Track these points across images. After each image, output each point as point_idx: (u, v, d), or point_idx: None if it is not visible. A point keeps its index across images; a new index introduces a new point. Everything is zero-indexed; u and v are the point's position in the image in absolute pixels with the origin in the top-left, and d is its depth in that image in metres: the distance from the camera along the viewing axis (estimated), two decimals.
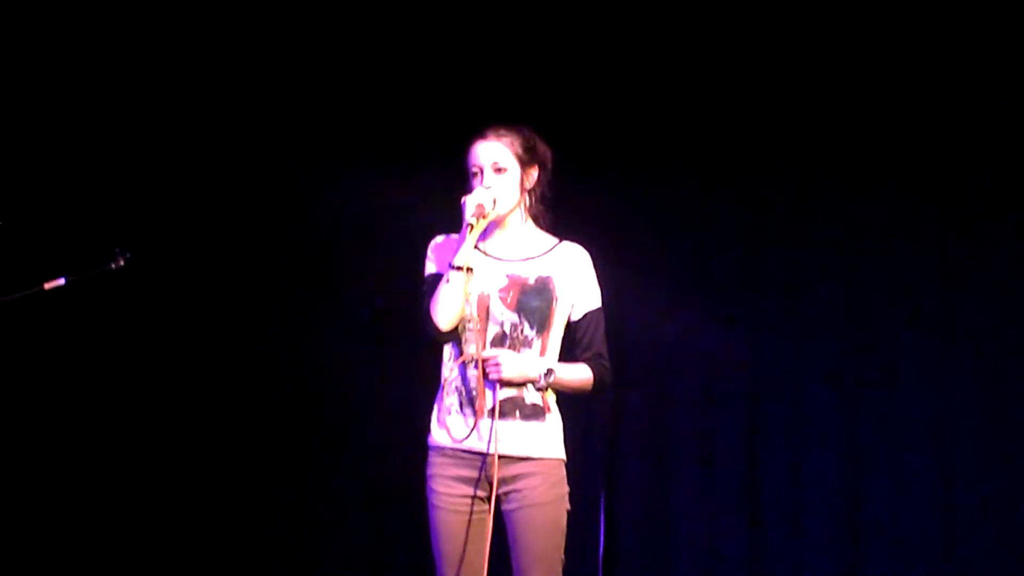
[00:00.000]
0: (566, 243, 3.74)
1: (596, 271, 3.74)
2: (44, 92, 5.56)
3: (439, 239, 3.74)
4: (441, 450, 3.61)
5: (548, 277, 3.67)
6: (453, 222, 3.65)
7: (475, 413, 3.56)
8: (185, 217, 5.71)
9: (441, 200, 4.18)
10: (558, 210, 3.77)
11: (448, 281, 3.56)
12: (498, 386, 3.56)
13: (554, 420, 3.65)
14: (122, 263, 4.14)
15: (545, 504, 3.58)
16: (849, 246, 5.47)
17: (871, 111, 5.46)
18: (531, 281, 3.66)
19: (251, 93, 5.68)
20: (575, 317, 3.70)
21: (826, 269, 5.49)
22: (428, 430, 3.67)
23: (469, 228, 3.56)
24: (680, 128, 5.60)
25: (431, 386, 3.70)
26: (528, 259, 3.69)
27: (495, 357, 3.55)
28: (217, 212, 5.72)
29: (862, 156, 5.47)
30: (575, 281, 3.70)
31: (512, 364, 3.56)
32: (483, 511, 3.57)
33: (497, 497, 3.55)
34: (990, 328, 5.30)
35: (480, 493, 3.58)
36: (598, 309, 3.72)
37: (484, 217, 3.58)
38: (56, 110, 5.58)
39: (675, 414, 5.59)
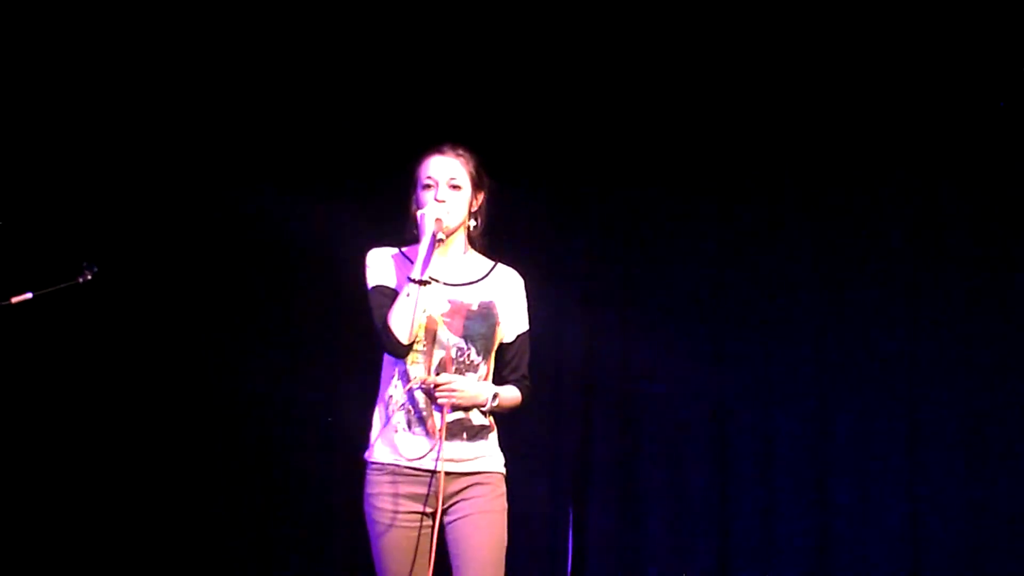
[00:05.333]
0: (501, 266, 3.78)
1: (531, 297, 3.80)
2: (8, 107, 5.55)
3: (379, 251, 3.73)
4: (386, 468, 3.62)
5: (491, 302, 3.71)
6: (384, 236, 3.69)
7: (427, 433, 3.60)
8: (151, 232, 5.71)
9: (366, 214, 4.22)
10: (511, 237, 3.82)
11: (408, 295, 3.57)
12: (446, 408, 3.59)
13: (494, 437, 3.71)
14: (89, 277, 4.17)
15: (490, 512, 3.63)
16: (820, 263, 5.51)
17: (839, 130, 5.49)
18: (474, 307, 3.69)
19: (213, 115, 5.70)
20: (507, 339, 3.74)
21: (793, 288, 5.52)
22: (365, 447, 3.68)
23: (439, 242, 3.58)
24: (643, 150, 5.61)
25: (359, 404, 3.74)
26: (469, 283, 3.71)
27: (450, 383, 3.58)
28: (180, 228, 5.72)
29: (827, 178, 5.50)
30: (511, 304, 3.75)
31: (465, 391, 3.60)
32: (428, 527, 3.61)
33: (441, 512, 3.59)
34: (959, 347, 5.34)
35: (427, 509, 3.61)
36: (527, 332, 3.79)
37: (444, 232, 3.61)
38: (21, 125, 5.57)
39: (643, 438, 5.58)
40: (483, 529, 3.61)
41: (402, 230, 3.75)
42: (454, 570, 3.61)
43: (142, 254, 5.67)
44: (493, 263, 3.78)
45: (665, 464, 5.53)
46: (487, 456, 3.68)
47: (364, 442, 3.70)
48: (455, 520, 3.61)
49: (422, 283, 3.58)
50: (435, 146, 3.73)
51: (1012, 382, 5.29)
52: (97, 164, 5.65)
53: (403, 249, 3.73)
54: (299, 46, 5.68)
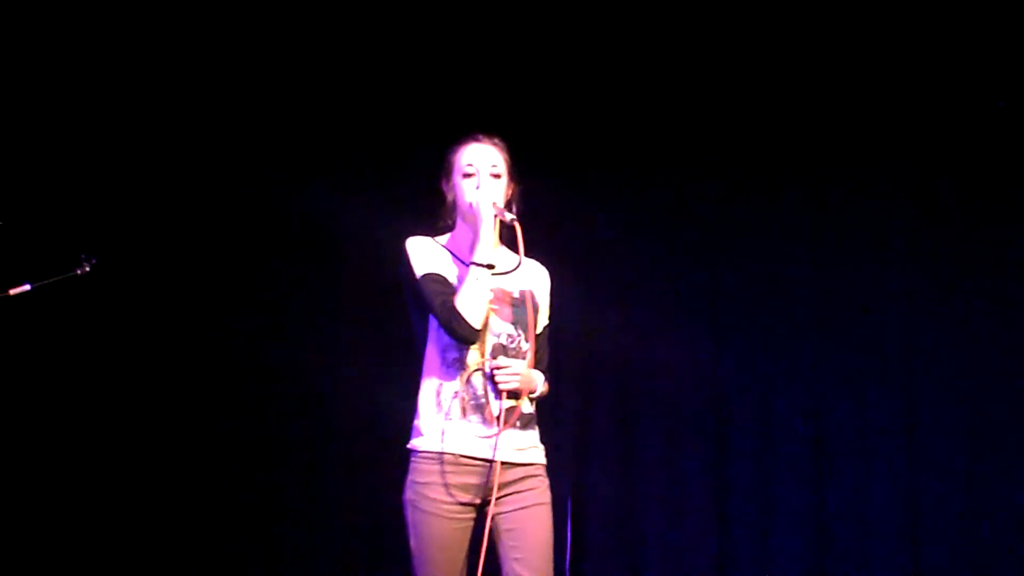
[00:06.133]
0: (527, 259, 3.73)
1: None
2: (8, 95, 5.49)
3: (419, 240, 3.66)
4: (438, 457, 3.55)
5: (529, 291, 3.70)
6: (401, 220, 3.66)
7: (485, 421, 3.55)
8: (156, 222, 5.68)
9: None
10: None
11: (477, 279, 3.52)
12: (504, 395, 3.55)
13: (538, 429, 3.68)
14: (88, 269, 4.14)
15: (545, 505, 3.61)
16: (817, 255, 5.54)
17: (839, 120, 5.51)
18: (516, 294, 3.67)
19: (225, 99, 5.67)
20: (537, 330, 3.72)
21: (790, 281, 5.54)
22: (412, 436, 3.61)
23: (513, 222, 3.55)
24: (644, 139, 5.62)
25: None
26: (505, 272, 3.67)
27: (509, 367, 3.55)
28: (188, 218, 5.69)
29: (828, 167, 5.53)
30: (541, 296, 3.75)
31: (523, 375, 3.57)
32: (472, 519, 3.57)
33: (489, 503, 3.54)
34: (957, 343, 5.37)
35: (477, 500, 3.56)
36: (548, 325, 3.79)
37: (500, 214, 3.58)
38: (19, 116, 5.51)
39: (642, 425, 5.60)
40: (541, 520, 3.58)
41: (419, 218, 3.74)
42: (509, 561, 3.54)
43: (160, 243, 5.65)
44: (518, 255, 3.71)
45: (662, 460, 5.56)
46: (537, 446, 3.65)
47: (400, 431, 3.66)
48: (512, 511, 3.55)
49: (489, 267, 3.55)
50: (470, 135, 3.71)
51: (1011, 380, 5.31)
52: (100, 152, 5.61)
53: (436, 238, 3.69)
54: (306, 34, 5.66)
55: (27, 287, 4.08)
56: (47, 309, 5.14)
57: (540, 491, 3.61)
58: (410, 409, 3.65)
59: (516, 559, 3.54)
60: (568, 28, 5.59)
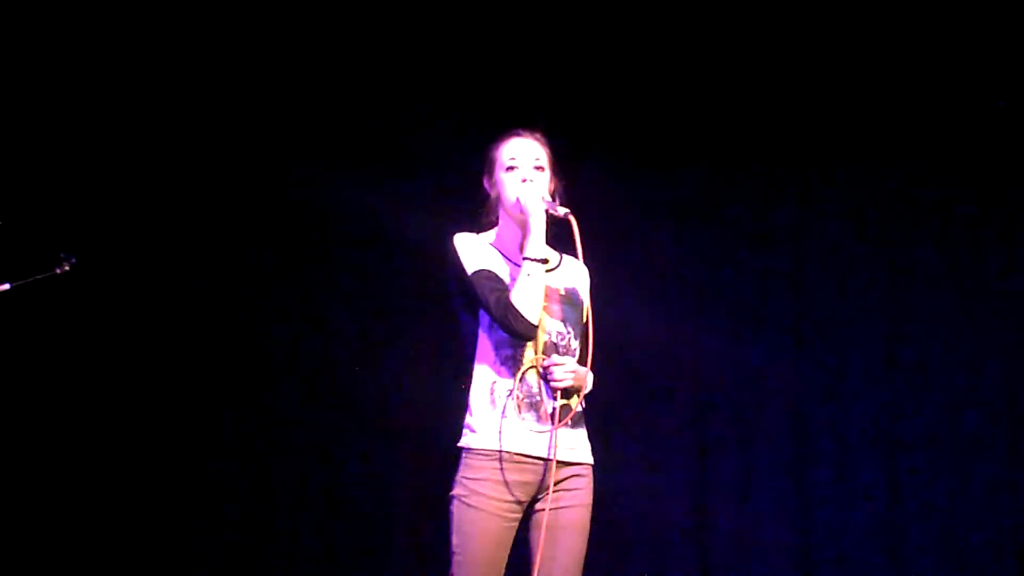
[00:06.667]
0: (567, 256, 3.70)
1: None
2: None
3: (466, 236, 3.60)
4: (495, 455, 3.50)
5: (574, 288, 3.66)
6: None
7: (540, 419, 3.51)
8: (186, 221, 5.74)
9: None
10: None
11: (530, 275, 3.47)
12: (558, 393, 3.52)
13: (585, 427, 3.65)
14: (67, 268, 4.15)
15: (587, 507, 3.59)
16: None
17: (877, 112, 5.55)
18: (562, 291, 3.63)
19: (253, 93, 5.69)
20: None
21: (766, 282, 5.62)
22: (464, 432, 3.55)
23: (567, 216, 3.49)
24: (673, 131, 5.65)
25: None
26: (550, 269, 3.63)
27: (564, 364, 3.51)
28: (215, 214, 5.74)
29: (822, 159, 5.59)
30: (584, 294, 3.69)
31: (577, 373, 3.53)
32: (518, 518, 3.53)
33: (536, 501, 3.52)
34: (933, 341, 5.47)
35: (527, 498, 3.52)
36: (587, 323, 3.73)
37: (552, 207, 3.52)
38: (10, 111, 5.49)
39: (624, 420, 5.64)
40: (581, 521, 3.56)
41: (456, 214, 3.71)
42: (541, 558, 3.50)
43: (185, 240, 5.69)
44: (559, 252, 3.69)
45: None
46: (586, 444, 3.62)
47: (448, 429, 3.62)
48: (555, 508, 3.51)
49: (543, 261, 3.51)
50: (511, 130, 3.66)
51: (985, 377, 5.39)
52: (87, 151, 5.61)
53: (481, 235, 3.64)
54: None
55: (7, 286, 4.10)
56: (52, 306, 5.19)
57: (585, 491, 3.58)
58: (459, 407, 3.61)
59: (550, 556, 3.51)
60: (605, 27, 5.61)
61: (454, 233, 3.60)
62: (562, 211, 3.51)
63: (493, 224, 3.68)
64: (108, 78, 5.56)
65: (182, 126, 5.63)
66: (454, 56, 5.60)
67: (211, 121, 5.63)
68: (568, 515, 3.54)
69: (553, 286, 3.61)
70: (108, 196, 5.63)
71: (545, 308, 3.54)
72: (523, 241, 3.52)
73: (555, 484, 3.51)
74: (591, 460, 3.63)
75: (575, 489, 3.56)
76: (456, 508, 3.50)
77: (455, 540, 3.50)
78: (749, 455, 5.57)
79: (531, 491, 3.52)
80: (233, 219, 5.70)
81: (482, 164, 3.69)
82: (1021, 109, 5.41)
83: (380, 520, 5.66)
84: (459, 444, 3.57)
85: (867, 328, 5.52)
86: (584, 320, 3.62)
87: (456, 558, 3.49)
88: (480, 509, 3.48)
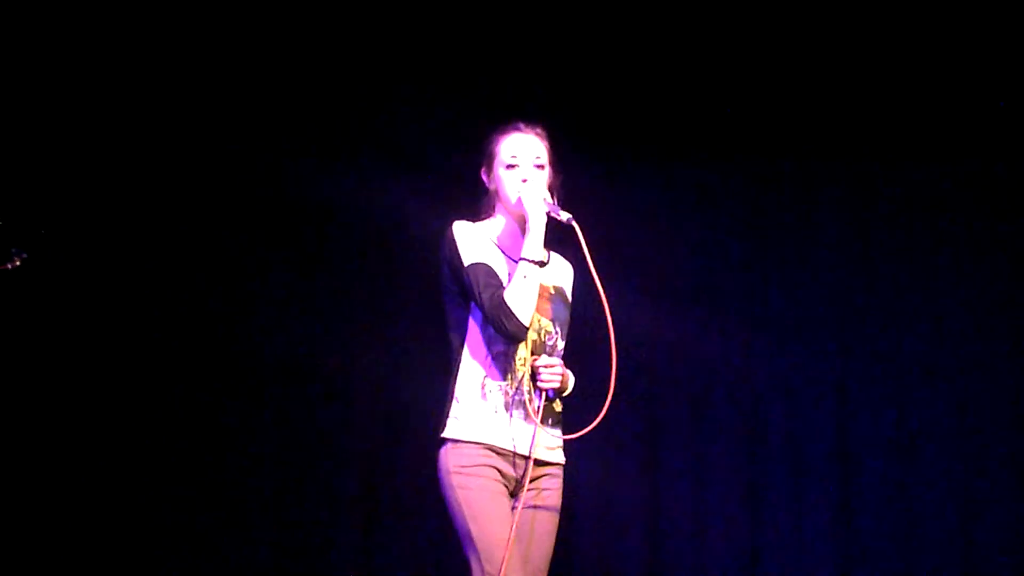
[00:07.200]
0: (555, 253, 3.67)
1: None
2: None
3: (464, 226, 3.54)
4: (484, 447, 3.46)
5: (562, 287, 3.64)
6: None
7: (526, 417, 3.48)
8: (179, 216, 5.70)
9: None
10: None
11: (526, 276, 3.43)
12: (543, 393, 3.49)
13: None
14: (19, 263, 4.10)
15: (556, 508, 3.59)
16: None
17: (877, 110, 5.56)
18: (552, 289, 3.60)
19: (247, 88, 5.64)
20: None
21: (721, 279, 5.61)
22: (449, 423, 3.49)
23: (570, 222, 3.44)
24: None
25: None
26: (544, 264, 3.59)
27: (556, 365, 3.49)
28: (204, 211, 5.69)
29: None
30: (569, 292, 3.67)
31: (565, 374, 3.53)
32: None
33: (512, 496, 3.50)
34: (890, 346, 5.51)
35: (509, 488, 3.50)
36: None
37: (553, 208, 3.48)
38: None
39: None
40: (551, 521, 3.56)
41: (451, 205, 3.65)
42: (510, 556, 3.43)
43: (179, 235, 5.65)
44: (546, 249, 3.64)
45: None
46: (561, 446, 3.60)
47: (430, 419, 3.57)
48: (527, 508, 3.49)
49: (541, 264, 3.48)
50: (511, 123, 3.61)
51: (939, 382, 5.46)
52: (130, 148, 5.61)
53: (478, 224, 3.59)
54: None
55: None
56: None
57: (557, 493, 3.59)
58: (441, 397, 3.55)
59: (523, 558, 3.48)
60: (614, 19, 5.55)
61: (452, 220, 3.56)
62: (565, 216, 3.47)
63: (490, 215, 3.63)
64: (99, 74, 5.53)
65: (182, 124, 5.61)
66: (452, 48, 5.56)
67: (208, 117, 5.61)
68: (538, 515, 3.53)
69: (545, 284, 3.58)
70: (107, 197, 5.63)
71: (536, 307, 3.50)
72: (522, 239, 3.49)
73: (531, 482, 3.50)
74: (562, 460, 3.61)
75: (547, 490, 3.55)
76: (460, 495, 3.44)
77: (467, 523, 3.42)
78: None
79: (512, 484, 3.50)
80: (233, 219, 5.70)
81: (480, 156, 3.65)
82: (1021, 109, 5.43)
83: (380, 519, 5.64)
84: (443, 435, 3.51)
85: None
86: (569, 319, 3.61)
87: (472, 537, 3.41)
88: (482, 489, 3.44)
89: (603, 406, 3.43)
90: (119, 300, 5.62)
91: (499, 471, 3.46)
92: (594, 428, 3.45)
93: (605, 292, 3.41)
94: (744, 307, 5.60)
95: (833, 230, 5.59)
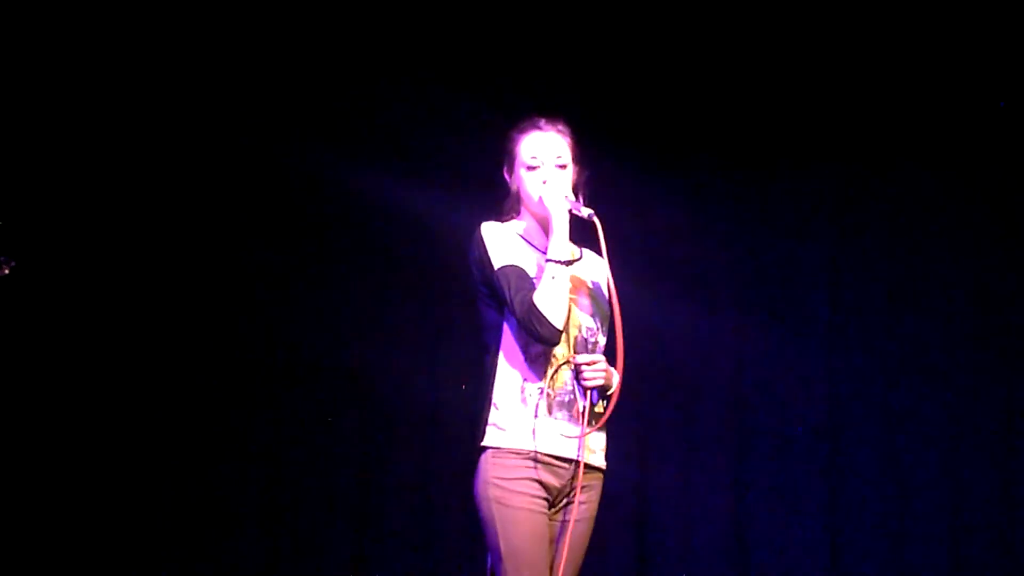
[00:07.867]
0: (587, 250, 3.59)
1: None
2: None
3: (494, 227, 3.48)
4: (528, 455, 3.37)
5: (598, 283, 3.55)
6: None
7: (572, 419, 3.40)
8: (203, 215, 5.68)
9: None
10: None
11: (554, 278, 3.34)
12: (589, 392, 3.41)
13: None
14: (7, 271, 4.09)
15: (592, 518, 3.51)
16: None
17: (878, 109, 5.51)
18: (589, 284, 3.52)
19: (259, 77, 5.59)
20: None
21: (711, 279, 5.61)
22: (489, 430, 3.40)
23: (591, 218, 3.38)
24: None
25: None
26: (573, 262, 3.53)
27: (599, 362, 3.40)
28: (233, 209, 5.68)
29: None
30: (606, 290, 3.54)
31: (609, 371, 3.43)
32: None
33: (554, 507, 3.43)
34: (877, 344, 5.48)
35: (552, 499, 3.42)
36: None
37: (576, 206, 3.42)
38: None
39: None
40: (586, 533, 3.49)
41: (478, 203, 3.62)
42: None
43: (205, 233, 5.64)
44: (577, 245, 3.58)
45: None
46: (604, 449, 3.51)
47: (472, 427, 3.48)
48: (574, 520, 3.42)
49: (568, 264, 3.40)
50: (530, 121, 3.52)
51: (929, 375, 5.42)
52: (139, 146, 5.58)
53: (507, 223, 3.53)
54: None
55: None
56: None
57: (595, 504, 3.50)
58: (478, 403, 3.47)
59: (549, 561, 3.41)
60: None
61: (480, 222, 3.49)
62: (586, 212, 3.40)
63: (517, 213, 3.56)
64: (104, 75, 5.48)
65: (183, 123, 5.57)
66: (469, 45, 5.51)
67: (214, 115, 5.56)
68: (578, 530, 3.44)
69: (581, 278, 3.51)
70: (113, 197, 5.61)
71: (575, 302, 3.44)
72: (547, 239, 3.42)
73: (580, 490, 3.42)
74: (604, 466, 3.52)
75: (587, 502, 3.47)
76: (495, 510, 3.36)
77: (499, 542, 3.35)
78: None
79: (555, 494, 3.42)
80: (236, 218, 5.67)
81: (501, 155, 3.57)
82: (1021, 109, 5.40)
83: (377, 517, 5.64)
84: (483, 443, 3.42)
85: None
86: (610, 316, 3.50)
87: (504, 559, 3.34)
88: (521, 508, 3.35)
89: (610, 402, 3.41)
90: (119, 300, 5.60)
91: (542, 484, 3.37)
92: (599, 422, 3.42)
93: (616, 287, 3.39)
94: (736, 297, 5.58)
95: (828, 228, 5.56)
